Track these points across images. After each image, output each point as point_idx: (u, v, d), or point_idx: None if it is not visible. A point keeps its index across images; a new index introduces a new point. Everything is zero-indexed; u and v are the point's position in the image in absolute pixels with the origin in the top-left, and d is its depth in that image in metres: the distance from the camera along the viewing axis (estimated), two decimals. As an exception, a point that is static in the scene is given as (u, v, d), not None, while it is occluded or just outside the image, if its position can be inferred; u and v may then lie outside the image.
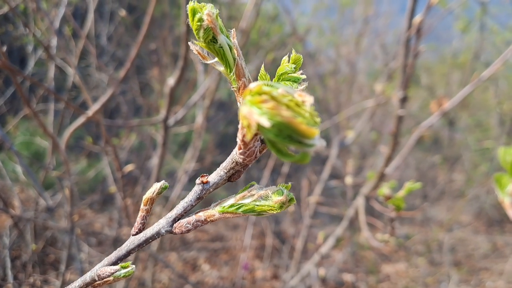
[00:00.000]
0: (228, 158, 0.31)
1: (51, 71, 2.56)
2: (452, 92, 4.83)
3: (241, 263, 2.67)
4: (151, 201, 0.35)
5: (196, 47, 0.30)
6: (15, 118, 3.35)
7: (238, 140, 0.28)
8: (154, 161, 2.01)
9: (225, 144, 5.48)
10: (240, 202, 0.32)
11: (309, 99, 0.22)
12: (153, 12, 1.68)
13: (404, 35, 1.22)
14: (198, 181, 0.32)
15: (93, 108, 1.54)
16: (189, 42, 0.30)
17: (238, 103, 0.30)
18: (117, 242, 3.79)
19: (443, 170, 5.16)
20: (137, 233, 0.34)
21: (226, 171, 0.31)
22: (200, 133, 2.82)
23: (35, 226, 2.99)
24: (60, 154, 1.55)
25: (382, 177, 1.46)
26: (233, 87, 0.29)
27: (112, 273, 0.33)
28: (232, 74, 0.29)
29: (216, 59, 0.30)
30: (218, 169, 0.32)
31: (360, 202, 1.49)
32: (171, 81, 1.80)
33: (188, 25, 1.74)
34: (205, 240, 4.53)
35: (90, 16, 1.88)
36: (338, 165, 4.19)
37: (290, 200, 0.30)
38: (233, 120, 5.85)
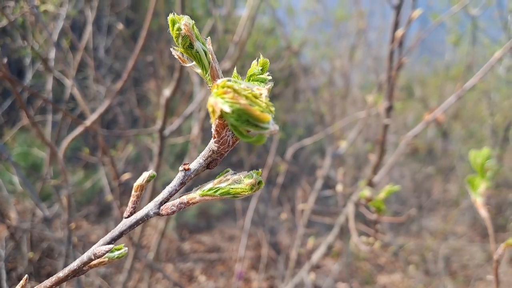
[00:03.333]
0: (206, 147, 0.36)
1: (49, 83, 2.62)
2: (444, 105, 4.89)
3: (236, 272, 2.70)
4: (141, 187, 0.40)
5: (177, 52, 0.35)
6: (12, 129, 3.40)
7: (213, 130, 0.33)
8: (151, 170, 2.05)
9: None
10: (217, 186, 0.37)
11: (264, 92, 0.27)
12: (150, 25, 1.74)
13: (388, 47, 1.28)
14: (181, 168, 0.37)
15: (91, 118, 1.59)
16: (170, 48, 0.35)
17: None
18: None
19: (437, 180, 5.21)
20: (128, 216, 0.39)
21: (204, 159, 0.36)
22: (196, 144, 2.87)
23: (32, 237, 3.02)
24: (58, 163, 1.60)
25: (370, 185, 1.51)
26: (209, 87, 0.34)
27: (107, 251, 0.38)
28: (207, 75, 0.34)
29: (194, 62, 0.35)
30: (197, 157, 0.37)
31: (350, 209, 1.54)
32: (167, 92, 1.85)
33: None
34: (201, 251, 4.54)
35: (89, 29, 1.93)
36: (333, 175, 4.24)
37: (259, 183, 0.35)
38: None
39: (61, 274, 0.43)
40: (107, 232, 3.83)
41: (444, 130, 4.63)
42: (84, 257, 0.41)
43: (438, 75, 5.75)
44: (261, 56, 0.38)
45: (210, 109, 0.27)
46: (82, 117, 3.47)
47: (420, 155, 5.35)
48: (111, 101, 1.58)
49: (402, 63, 1.20)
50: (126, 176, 1.57)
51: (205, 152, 0.36)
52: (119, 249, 0.44)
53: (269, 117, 0.26)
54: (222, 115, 0.27)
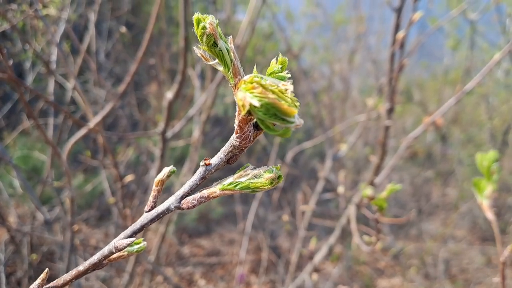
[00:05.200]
0: (227, 143, 0.37)
1: (51, 86, 2.63)
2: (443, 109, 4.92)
3: (237, 276, 2.71)
4: (162, 182, 0.41)
5: (200, 50, 0.37)
6: (12, 133, 3.40)
7: (235, 125, 0.35)
8: (152, 173, 2.06)
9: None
10: (237, 180, 0.38)
11: (290, 87, 0.29)
12: (153, 28, 1.75)
13: (389, 49, 1.30)
14: (202, 163, 0.38)
15: (94, 120, 1.60)
16: (194, 47, 0.36)
17: (234, 97, 0.36)
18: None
19: (436, 185, 5.23)
20: (149, 210, 0.40)
21: (225, 154, 0.37)
22: (197, 147, 2.88)
23: (32, 240, 3.02)
24: (61, 164, 1.61)
25: (371, 185, 1.52)
26: (230, 84, 0.36)
27: (129, 244, 0.39)
28: (229, 72, 0.36)
29: (217, 60, 0.36)
30: (218, 152, 0.38)
31: (351, 210, 1.55)
32: (169, 94, 1.87)
33: (186, 41, 1.81)
34: (201, 255, 4.54)
35: (91, 31, 1.94)
36: (333, 179, 4.25)
37: (279, 177, 0.36)
38: (229, 136, 5.93)
39: (81, 267, 0.44)
40: (106, 236, 3.81)
41: (443, 134, 4.65)
42: (105, 250, 0.42)
43: (437, 79, 5.78)
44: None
45: (239, 103, 0.28)
46: (83, 120, 3.48)
47: (419, 159, 5.37)
48: (114, 103, 1.59)
49: (403, 65, 1.21)
50: (128, 178, 1.57)
51: (226, 147, 0.37)
52: (138, 243, 0.45)
53: (295, 111, 0.28)
54: (250, 110, 0.28)
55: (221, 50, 0.35)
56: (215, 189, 0.39)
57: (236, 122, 0.34)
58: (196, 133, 2.89)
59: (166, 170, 0.42)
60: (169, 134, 1.99)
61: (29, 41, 2.41)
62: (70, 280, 0.45)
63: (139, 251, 0.45)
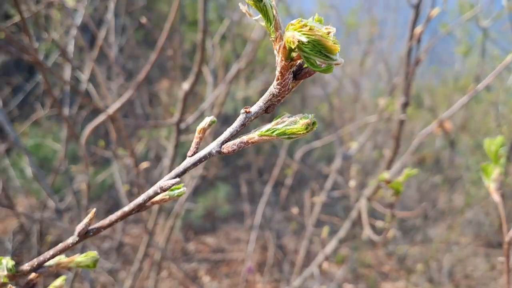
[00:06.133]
0: (267, 92, 0.41)
1: (67, 74, 2.67)
2: (453, 114, 4.93)
3: (245, 268, 2.74)
4: (203, 130, 0.45)
5: (244, 7, 0.40)
6: (25, 123, 3.46)
7: (277, 73, 0.38)
8: (165, 162, 2.11)
9: (229, 159, 5.58)
10: (274, 127, 0.41)
11: (333, 30, 0.32)
12: (174, 20, 1.80)
13: (406, 44, 1.33)
14: (242, 111, 0.42)
15: (113, 106, 1.64)
16: (239, 3, 0.40)
17: (274, 50, 0.40)
18: (122, 247, 3.84)
19: (443, 191, 5.23)
20: (192, 155, 0.44)
21: (264, 102, 0.41)
22: (207, 142, 2.92)
23: (41, 229, 3.06)
24: (80, 149, 1.65)
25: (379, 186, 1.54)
26: (271, 38, 0.39)
27: (173, 184, 0.43)
28: (272, 26, 0.39)
29: (260, 15, 0.40)
30: (258, 101, 0.41)
31: (362, 203, 1.58)
32: (185, 85, 1.91)
33: (204, 33, 1.85)
34: (206, 252, 4.57)
35: (111, 22, 1.98)
36: (340, 181, 4.27)
37: (314, 123, 0.40)
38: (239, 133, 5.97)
39: (126, 208, 0.48)
40: (114, 230, 3.82)
41: (452, 140, 4.66)
42: (150, 191, 0.46)
43: (447, 85, 5.79)
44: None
45: (288, 41, 0.32)
46: (93, 113, 3.53)
47: (427, 165, 5.37)
48: (134, 91, 1.63)
49: (420, 60, 1.24)
50: (144, 165, 1.61)
51: (265, 96, 0.41)
52: (178, 188, 0.48)
53: (338, 48, 0.31)
54: (297, 47, 0.31)
55: (265, 5, 0.38)
56: (254, 135, 0.42)
57: (278, 69, 0.38)
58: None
59: (208, 119, 0.45)
60: (183, 125, 2.03)
61: (46, 30, 2.46)
62: (116, 221, 0.49)
63: (179, 195, 0.48)
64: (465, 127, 5.35)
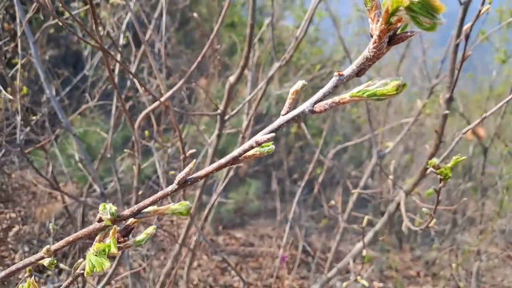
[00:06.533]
0: (360, 56, 0.47)
1: (116, 68, 2.80)
2: (488, 122, 4.88)
3: (280, 257, 2.81)
4: (296, 92, 0.52)
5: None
6: (73, 114, 3.63)
7: (374, 36, 0.44)
8: (209, 151, 2.19)
9: (259, 159, 5.64)
10: (365, 88, 0.47)
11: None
12: (205, 27, 1.89)
13: (454, 41, 1.37)
14: (335, 73, 0.48)
15: (166, 95, 1.74)
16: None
17: (369, 19, 0.46)
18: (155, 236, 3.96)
19: (474, 198, 5.16)
20: (285, 114, 0.51)
21: (357, 65, 0.47)
22: (246, 136, 3.00)
23: (84, 213, 3.20)
24: (133, 134, 1.75)
25: (424, 174, 1.58)
26: (367, 7, 0.46)
27: (268, 139, 0.49)
28: (369, -5, 0.45)
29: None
30: (350, 65, 0.48)
31: (402, 196, 1.62)
32: (232, 78, 1.99)
33: (251, 28, 1.93)
34: (235, 246, 4.66)
35: (165, 19, 2.09)
36: (372, 186, 4.29)
37: (404, 85, 0.46)
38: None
39: (223, 160, 0.55)
40: (145, 222, 3.93)
41: (485, 147, 4.60)
42: (246, 145, 0.53)
43: (482, 93, 5.71)
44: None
45: (397, 1, 0.38)
46: (133, 108, 3.66)
47: (457, 171, 5.31)
48: (184, 81, 1.72)
49: (467, 56, 1.28)
50: (191, 151, 1.70)
51: (359, 60, 0.47)
52: (268, 146, 0.55)
53: (444, 8, 0.37)
54: (405, 9, 0.38)
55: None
56: (345, 96, 0.48)
57: (376, 32, 0.44)
58: (245, 123, 3.01)
59: (300, 83, 0.52)
60: (227, 116, 2.12)
61: (100, 23, 2.60)
62: (212, 172, 0.56)
63: (269, 152, 0.55)
64: (499, 135, 5.27)
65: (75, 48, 4.81)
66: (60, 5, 1.15)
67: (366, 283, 1.52)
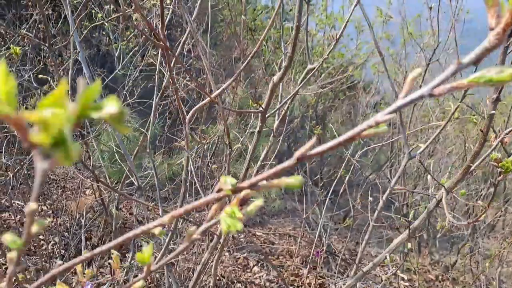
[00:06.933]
0: (481, 45, 0.54)
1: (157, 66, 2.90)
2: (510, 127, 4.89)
3: (315, 252, 2.89)
4: (414, 79, 0.59)
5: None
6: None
7: (498, 28, 0.52)
8: (250, 147, 2.27)
9: (282, 157, 5.73)
10: (482, 75, 0.55)
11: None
12: (230, 30, 1.97)
13: (504, 43, 1.44)
14: (455, 61, 0.56)
15: (215, 92, 1.82)
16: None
17: (488, 15, 0.53)
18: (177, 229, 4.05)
19: (497, 204, 5.18)
20: (404, 97, 0.58)
21: (476, 54, 0.54)
22: (276, 136, 3.09)
23: (118, 205, 3.30)
24: (184, 128, 1.84)
25: (467, 172, 1.64)
26: (487, 4, 0.53)
27: (388, 119, 0.57)
28: (489, -1, 0.53)
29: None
30: (471, 53, 0.55)
31: (443, 194, 1.68)
32: (275, 77, 2.07)
33: (297, 29, 2.01)
34: (256, 244, 4.73)
35: (193, 25, 2.17)
36: (395, 192, 4.32)
37: (517, 72, 0.53)
38: (297, 140, 6.22)
39: (341, 138, 0.62)
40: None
41: (510, 154, 4.61)
42: (364, 124, 0.60)
43: (505, 99, 5.73)
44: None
45: None
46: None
47: (477, 176, 5.33)
48: (233, 81, 1.81)
49: (517, 58, 1.34)
50: (237, 146, 1.77)
51: (478, 49, 0.54)
52: (382, 126, 0.62)
53: None
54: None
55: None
56: (463, 81, 0.56)
57: (501, 26, 0.51)
58: (276, 124, 3.09)
59: (418, 70, 0.59)
60: (268, 113, 2.20)
61: (164, 24, 2.69)
62: (329, 149, 0.63)
63: (383, 132, 0.62)
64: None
65: (106, 49, 4.94)
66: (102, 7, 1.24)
67: (405, 276, 1.59)
